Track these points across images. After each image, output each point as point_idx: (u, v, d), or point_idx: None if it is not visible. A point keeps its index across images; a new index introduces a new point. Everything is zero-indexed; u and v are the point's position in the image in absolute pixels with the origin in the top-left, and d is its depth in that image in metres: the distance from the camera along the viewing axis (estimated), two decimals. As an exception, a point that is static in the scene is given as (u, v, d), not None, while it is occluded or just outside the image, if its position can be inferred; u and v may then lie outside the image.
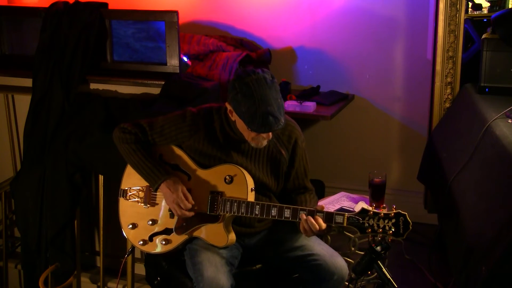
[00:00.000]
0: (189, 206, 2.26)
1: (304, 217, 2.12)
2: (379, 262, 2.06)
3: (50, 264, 3.16)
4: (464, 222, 2.32)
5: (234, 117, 2.20)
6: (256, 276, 2.38)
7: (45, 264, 3.17)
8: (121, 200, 2.43)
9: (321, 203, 2.88)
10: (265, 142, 2.23)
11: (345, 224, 2.08)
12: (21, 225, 3.20)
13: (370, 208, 2.07)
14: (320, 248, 2.28)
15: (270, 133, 2.18)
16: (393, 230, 2.03)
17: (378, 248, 2.04)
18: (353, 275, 2.12)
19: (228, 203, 2.21)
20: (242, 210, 2.19)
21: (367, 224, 2.06)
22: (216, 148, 2.29)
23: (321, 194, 3.39)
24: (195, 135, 2.30)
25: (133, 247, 2.46)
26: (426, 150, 3.31)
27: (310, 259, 2.24)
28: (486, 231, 2.09)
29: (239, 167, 2.24)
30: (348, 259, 2.74)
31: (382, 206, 2.08)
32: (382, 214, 2.05)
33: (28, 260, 3.22)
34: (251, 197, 2.22)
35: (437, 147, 3.11)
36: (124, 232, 2.40)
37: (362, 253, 2.11)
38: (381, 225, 2.05)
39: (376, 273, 2.15)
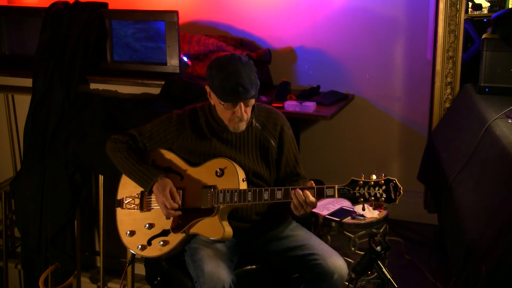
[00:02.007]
0: (175, 205, 2.27)
1: (295, 192, 2.13)
2: (379, 262, 2.06)
3: (50, 264, 3.16)
4: (464, 222, 2.32)
5: (213, 99, 2.26)
6: (256, 276, 2.38)
7: (45, 264, 3.17)
8: (118, 210, 2.45)
9: (321, 203, 2.88)
10: (242, 125, 2.26)
11: (336, 196, 2.10)
12: (21, 225, 3.20)
13: (359, 178, 2.09)
14: (320, 248, 2.28)
15: (244, 113, 2.21)
16: (384, 196, 2.05)
17: (378, 248, 2.04)
18: (353, 275, 2.11)
19: (221, 194, 2.23)
20: (235, 198, 2.21)
21: (358, 194, 2.08)
22: (205, 144, 2.33)
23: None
24: (182, 133, 2.35)
25: (133, 255, 2.47)
26: (426, 150, 3.31)
27: (310, 259, 2.24)
28: (486, 231, 2.08)
29: (229, 160, 2.27)
30: (348, 259, 2.73)
31: (371, 175, 2.10)
32: (372, 182, 2.07)
33: (28, 260, 3.22)
34: (243, 187, 2.24)
35: (437, 147, 3.11)
36: (123, 241, 2.42)
37: (362, 253, 2.11)
38: (372, 193, 2.07)
39: (376, 273, 2.14)
